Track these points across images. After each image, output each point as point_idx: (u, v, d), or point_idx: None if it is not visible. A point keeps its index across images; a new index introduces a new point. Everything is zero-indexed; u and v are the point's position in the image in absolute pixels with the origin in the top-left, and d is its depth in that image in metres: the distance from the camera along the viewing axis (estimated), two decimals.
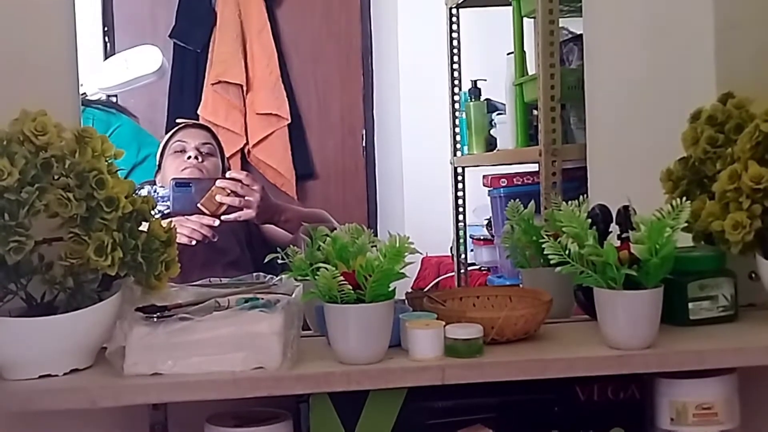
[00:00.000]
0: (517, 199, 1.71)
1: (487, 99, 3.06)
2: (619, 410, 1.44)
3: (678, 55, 1.77)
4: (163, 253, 1.38)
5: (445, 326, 1.35)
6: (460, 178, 3.24)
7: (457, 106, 3.25)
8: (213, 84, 4.07)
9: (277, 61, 4.18)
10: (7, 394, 1.28)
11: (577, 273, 1.35)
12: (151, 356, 1.29)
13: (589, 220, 1.36)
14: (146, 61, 2.62)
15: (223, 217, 2.33)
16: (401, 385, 1.36)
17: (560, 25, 2.41)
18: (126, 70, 2.60)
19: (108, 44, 3.95)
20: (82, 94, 2.19)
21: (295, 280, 1.44)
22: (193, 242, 2.30)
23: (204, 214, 2.32)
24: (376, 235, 1.43)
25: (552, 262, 1.36)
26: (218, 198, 2.31)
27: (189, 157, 2.47)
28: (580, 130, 2.41)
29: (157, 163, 2.54)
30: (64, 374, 1.31)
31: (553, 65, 2.37)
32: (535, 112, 2.56)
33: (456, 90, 3.25)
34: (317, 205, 3.84)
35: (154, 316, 1.34)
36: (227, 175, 2.38)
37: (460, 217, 3.23)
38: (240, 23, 4.13)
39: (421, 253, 1.34)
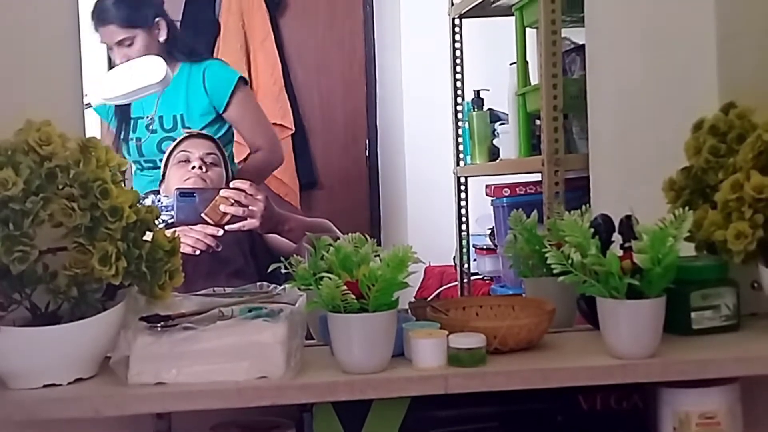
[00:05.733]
0: (520, 209, 1.71)
1: (489, 109, 3.06)
2: (622, 420, 1.44)
3: (680, 64, 1.77)
4: (167, 262, 1.38)
5: (448, 336, 1.36)
6: (462, 187, 3.23)
7: (460, 116, 3.25)
8: None
9: (281, 70, 4.18)
10: (12, 404, 1.28)
11: (579, 282, 1.36)
12: (155, 365, 1.30)
13: (592, 230, 1.37)
14: (150, 71, 2.61)
15: (227, 227, 2.33)
16: (404, 395, 1.36)
17: (563, 35, 2.40)
18: (130, 80, 2.60)
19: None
20: (86, 105, 2.20)
21: (299, 289, 1.44)
22: (197, 252, 2.31)
23: (208, 224, 2.32)
24: (379, 245, 1.43)
25: (555, 271, 1.37)
26: (222, 208, 2.32)
27: (193, 167, 2.47)
28: (582, 140, 2.41)
29: (162, 173, 2.54)
30: (69, 383, 1.31)
31: (555, 75, 2.37)
32: (537, 122, 2.56)
33: (459, 100, 3.25)
34: (321, 214, 3.83)
35: (158, 325, 1.34)
36: (231, 184, 2.39)
37: (463, 226, 3.23)
38: (244, 33, 4.13)
39: (424, 263, 1.35)
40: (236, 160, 2.81)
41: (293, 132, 4.18)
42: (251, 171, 2.69)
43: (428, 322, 1.44)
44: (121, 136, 2.69)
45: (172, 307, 1.40)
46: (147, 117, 2.67)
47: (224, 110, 2.70)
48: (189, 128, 2.64)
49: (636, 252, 1.34)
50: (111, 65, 2.78)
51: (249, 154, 2.78)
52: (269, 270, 1.52)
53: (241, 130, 2.78)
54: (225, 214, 2.32)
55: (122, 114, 2.70)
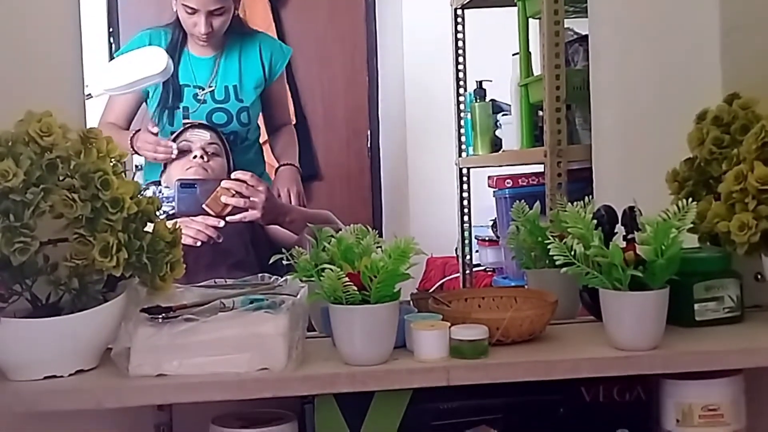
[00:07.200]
0: (523, 200, 1.70)
1: (492, 100, 3.06)
2: (625, 411, 1.44)
3: (683, 55, 1.76)
4: (168, 254, 1.38)
5: (450, 327, 1.35)
6: (465, 179, 3.23)
7: (462, 107, 3.24)
8: None
9: None
10: (13, 395, 1.28)
11: (582, 274, 1.35)
12: (156, 357, 1.29)
13: (595, 221, 1.36)
14: (151, 62, 2.61)
15: (228, 218, 2.33)
16: (406, 386, 1.35)
17: (565, 25, 2.40)
18: (131, 71, 2.59)
19: (113, 45, 3.95)
20: (87, 96, 2.19)
21: (300, 281, 1.44)
22: (198, 243, 2.30)
23: (209, 215, 2.32)
24: (381, 236, 1.42)
25: (557, 263, 1.36)
26: (223, 199, 2.31)
27: (194, 157, 2.47)
28: (585, 131, 2.40)
29: (162, 163, 2.54)
30: (70, 375, 1.31)
31: (558, 66, 2.37)
32: (540, 112, 2.55)
33: (461, 91, 3.24)
34: (322, 206, 3.82)
35: (159, 317, 1.34)
36: (232, 176, 2.38)
37: (465, 218, 3.23)
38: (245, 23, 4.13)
39: (426, 254, 1.34)
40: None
41: (294, 123, 4.17)
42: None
43: (430, 313, 1.44)
44: (168, 103, 2.62)
45: (173, 299, 1.39)
46: (197, 87, 2.64)
47: (272, 83, 2.75)
48: (242, 100, 2.65)
49: (639, 243, 1.34)
50: (111, 56, 2.78)
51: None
52: (271, 261, 1.51)
53: (280, 103, 2.88)
54: (226, 205, 2.32)
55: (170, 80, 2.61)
